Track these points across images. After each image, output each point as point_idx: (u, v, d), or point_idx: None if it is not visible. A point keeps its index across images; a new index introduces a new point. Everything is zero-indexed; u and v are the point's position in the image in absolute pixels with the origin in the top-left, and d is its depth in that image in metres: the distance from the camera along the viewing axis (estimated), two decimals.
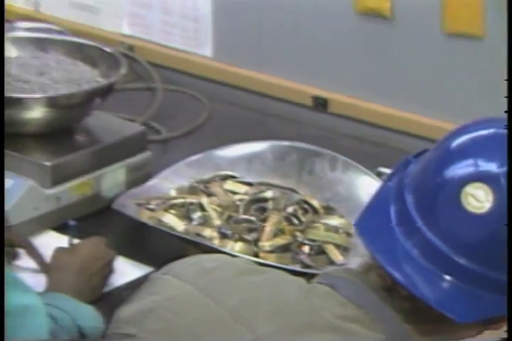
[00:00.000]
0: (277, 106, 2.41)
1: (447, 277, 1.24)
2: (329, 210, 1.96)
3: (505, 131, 1.21)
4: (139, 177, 2.09)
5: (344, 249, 1.86)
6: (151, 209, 1.95)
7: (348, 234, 1.89)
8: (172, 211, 1.95)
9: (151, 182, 2.04)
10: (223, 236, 1.88)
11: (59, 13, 2.62)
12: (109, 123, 2.16)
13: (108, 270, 1.85)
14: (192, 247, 1.85)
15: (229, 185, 2.02)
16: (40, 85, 2.06)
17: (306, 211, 1.94)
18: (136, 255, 1.91)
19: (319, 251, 1.85)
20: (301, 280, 1.47)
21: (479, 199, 1.18)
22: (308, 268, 1.80)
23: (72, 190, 2.01)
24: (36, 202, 1.98)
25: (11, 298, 1.60)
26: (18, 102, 2.01)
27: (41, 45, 2.19)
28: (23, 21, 2.52)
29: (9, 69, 2.11)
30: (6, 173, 1.97)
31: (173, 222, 1.92)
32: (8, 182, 1.98)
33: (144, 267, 1.88)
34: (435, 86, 2.22)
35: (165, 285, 1.54)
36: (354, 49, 2.31)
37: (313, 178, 2.04)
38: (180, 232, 1.90)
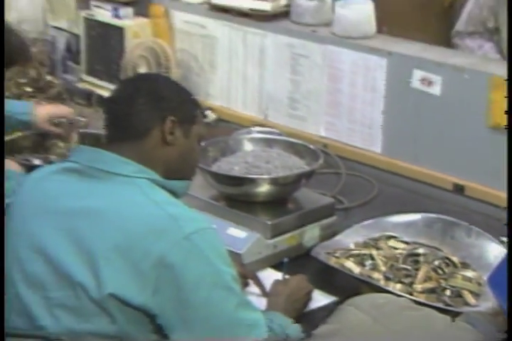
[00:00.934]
0: (426, 189, 2.37)
1: None
2: (465, 265, 1.93)
3: None
4: (328, 234, 2.08)
5: (476, 295, 1.83)
6: (337, 257, 1.94)
7: (479, 284, 1.85)
8: (351, 259, 1.93)
9: (337, 238, 2.04)
10: (387, 279, 1.87)
11: (279, 121, 2.64)
12: (309, 196, 2.15)
13: (307, 298, 1.86)
14: (365, 286, 1.84)
15: (392, 242, 2.00)
16: (266, 170, 2.08)
17: (447, 265, 1.91)
18: (326, 288, 1.91)
19: (457, 294, 1.83)
20: (447, 318, 1.48)
21: None
22: (449, 306, 1.77)
23: (284, 241, 2.03)
24: (261, 248, 2.00)
25: (247, 314, 1.62)
26: (252, 181, 2.04)
27: (268, 143, 2.21)
28: (256, 126, 2.54)
29: (246, 158, 2.15)
30: (241, 228, 2.01)
31: (351, 266, 1.91)
32: (242, 234, 2.00)
33: (331, 297, 1.89)
34: None
35: (349, 314, 1.56)
36: (485, 151, 2.26)
37: (453, 242, 2.01)
38: (356, 274, 1.87)
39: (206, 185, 2.10)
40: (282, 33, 2.58)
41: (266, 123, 2.63)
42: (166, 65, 2.71)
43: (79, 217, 1.64)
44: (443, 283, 1.86)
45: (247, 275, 1.89)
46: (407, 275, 1.88)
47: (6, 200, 1.83)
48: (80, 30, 2.88)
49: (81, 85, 2.91)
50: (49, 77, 2.87)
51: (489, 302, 1.68)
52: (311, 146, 2.21)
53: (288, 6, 2.62)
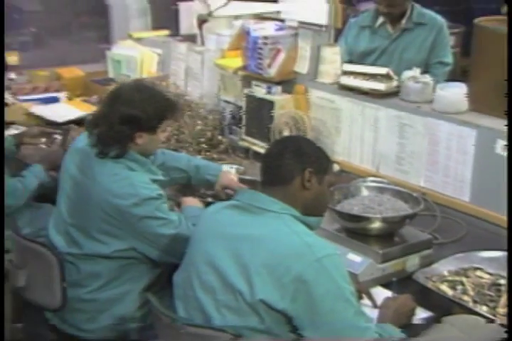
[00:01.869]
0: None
1: None
2: None
3: None
4: (426, 262, 1.95)
5: None
6: (433, 281, 1.83)
7: None
8: (445, 283, 1.81)
9: (434, 266, 1.90)
10: (475, 301, 1.73)
11: (388, 173, 2.53)
12: (412, 232, 2.02)
13: (411, 313, 1.74)
14: (456, 306, 1.71)
15: (478, 273, 1.86)
16: (379, 211, 2.00)
17: None
18: (424, 306, 1.76)
19: None
20: None
21: None
22: None
23: (391, 266, 1.92)
24: (373, 271, 1.90)
25: (361, 321, 1.56)
26: (368, 219, 1.96)
27: (380, 190, 2.12)
28: (370, 177, 2.45)
29: (363, 201, 2.07)
30: (358, 254, 1.92)
31: (445, 289, 1.78)
32: (358, 259, 1.92)
33: (428, 312, 1.75)
34: None
35: (445, 329, 1.49)
36: None
37: None
38: (449, 296, 1.75)
39: (332, 220, 2.04)
40: (393, 107, 2.50)
41: (378, 174, 2.54)
42: (303, 130, 2.68)
43: (240, 241, 1.65)
44: None
45: (362, 291, 1.82)
46: (491, 300, 1.74)
47: (172, 230, 1.96)
48: (242, 102, 2.89)
49: (241, 143, 2.90)
50: (219, 137, 2.89)
51: None
52: (414, 194, 2.12)
53: (398, 86, 2.54)
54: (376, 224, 1.97)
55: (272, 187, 1.69)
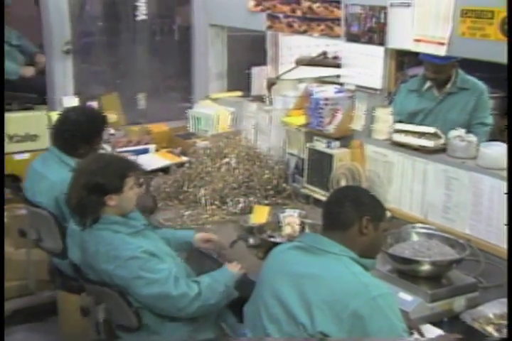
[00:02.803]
0: None
1: None
2: None
3: None
4: (472, 304, 1.92)
5: None
6: (479, 322, 1.80)
7: None
8: (491, 325, 1.79)
9: (479, 308, 1.88)
10: None
11: (436, 220, 2.49)
12: (458, 276, 2.00)
13: None
14: None
15: None
16: (428, 255, 1.99)
17: None
18: None
19: None
20: None
21: None
22: None
23: (439, 306, 1.91)
24: (423, 309, 1.88)
25: None
26: (418, 262, 1.96)
27: (429, 236, 2.11)
28: (419, 223, 2.43)
29: (413, 245, 2.05)
30: (409, 293, 1.90)
31: (491, 331, 1.77)
32: (409, 298, 1.90)
33: None
34: None
35: None
36: None
37: None
38: (495, 338, 1.73)
39: (385, 262, 2.04)
40: (440, 162, 2.50)
41: (426, 221, 2.52)
42: (359, 180, 2.69)
43: (304, 278, 1.67)
44: None
45: (413, 327, 1.80)
46: None
47: (156, 289, 1.84)
48: (305, 155, 2.93)
49: (303, 190, 2.92)
50: (284, 185, 2.92)
51: None
52: (460, 240, 2.10)
53: (445, 144, 2.55)
54: (425, 267, 1.96)
55: (332, 231, 1.71)
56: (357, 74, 2.76)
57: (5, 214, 3.29)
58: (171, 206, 2.82)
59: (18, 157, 3.31)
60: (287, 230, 2.44)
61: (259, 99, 3.28)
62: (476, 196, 2.37)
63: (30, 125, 3.34)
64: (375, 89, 2.70)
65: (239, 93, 3.53)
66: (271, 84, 3.21)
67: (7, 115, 3.25)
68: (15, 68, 3.69)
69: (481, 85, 3.03)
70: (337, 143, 2.81)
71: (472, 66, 2.79)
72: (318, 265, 1.68)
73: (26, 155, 3.28)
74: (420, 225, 2.38)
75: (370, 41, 2.66)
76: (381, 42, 2.61)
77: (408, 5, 2.46)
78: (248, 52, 3.68)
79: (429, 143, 2.54)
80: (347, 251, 1.69)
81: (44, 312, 3.07)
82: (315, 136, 2.87)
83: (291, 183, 2.97)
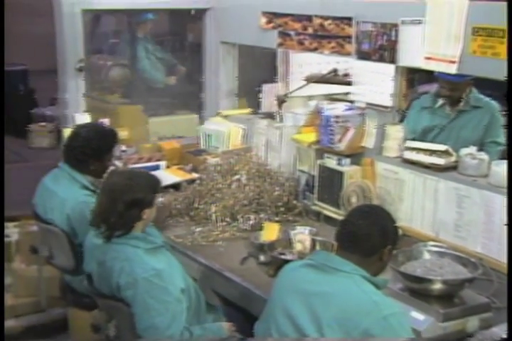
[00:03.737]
0: None
1: None
2: None
3: None
4: (485, 325, 1.91)
5: None
6: None
7: None
8: None
9: (493, 329, 1.87)
10: None
11: (447, 238, 2.49)
12: (471, 295, 1.98)
13: None
14: None
15: None
16: (440, 273, 1.98)
17: None
18: None
19: None
20: None
21: None
22: None
23: (451, 326, 1.90)
24: (434, 328, 1.88)
25: None
26: (430, 280, 1.95)
27: (441, 254, 2.11)
28: (430, 241, 2.41)
29: (425, 263, 2.05)
30: (421, 312, 1.88)
31: None
32: (421, 317, 1.90)
33: None
34: None
35: None
36: None
37: None
38: None
39: (396, 280, 2.03)
40: (452, 180, 2.50)
41: (437, 239, 2.51)
42: (370, 197, 2.68)
43: (315, 296, 1.68)
44: None
45: None
46: None
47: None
48: (315, 172, 2.93)
49: (314, 207, 2.92)
50: (295, 202, 2.92)
51: None
52: (472, 259, 2.09)
53: (456, 162, 2.55)
54: (437, 286, 1.95)
55: (351, 254, 1.71)
56: (367, 92, 2.77)
57: (17, 230, 3.32)
58: (181, 223, 2.83)
59: None
60: (298, 247, 2.42)
61: (270, 116, 3.29)
62: (488, 214, 2.37)
63: (180, 127, 3.61)
64: (386, 107, 2.71)
65: (249, 110, 3.55)
66: (281, 101, 3.22)
67: (157, 119, 3.51)
68: (160, 78, 4.05)
69: (494, 104, 3.04)
70: (348, 161, 2.82)
71: (483, 84, 2.79)
72: (329, 283, 1.68)
73: None
74: (432, 243, 2.38)
75: (380, 59, 2.67)
76: (392, 60, 2.63)
77: (419, 22, 2.48)
78: (259, 70, 3.70)
79: (440, 161, 2.54)
80: (358, 269, 1.70)
81: (55, 329, 3.07)
82: (325, 153, 2.88)
83: (301, 200, 2.97)
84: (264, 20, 3.20)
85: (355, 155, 2.83)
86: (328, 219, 2.83)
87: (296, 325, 1.65)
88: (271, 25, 3.17)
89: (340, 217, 2.65)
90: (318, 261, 1.75)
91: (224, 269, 2.38)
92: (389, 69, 2.65)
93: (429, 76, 3.04)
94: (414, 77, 3.74)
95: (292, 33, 3.07)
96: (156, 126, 3.61)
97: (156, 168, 3.24)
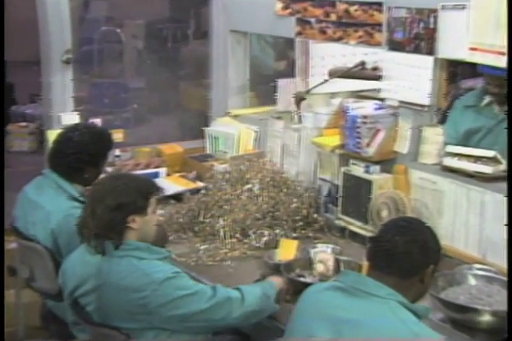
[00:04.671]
0: None
1: None
2: None
3: None
4: None
5: None
6: None
7: None
8: None
9: None
10: None
11: (496, 261, 2.40)
12: None
13: None
14: None
15: None
16: (488, 302, 1.99)
17: None
18: None
19: None
20: None
21: None
22: None
23: None
24: None
25: None
26: (476, 310, 1.95)
27: (489, 279, 2.10)
28: (476, 264, 2.38)
29: (470, 290, 2.05)
30: None
31: None
32: None
33: None
34: None
35: None
36: None
37: None
38: None
39: (435, 309, 2.01)
40: (500, 192, 2.45)
41: (484, 262, 2.47)
42: (403, 211, 2.66)
43: (342, 324, 1.67)
44: None
45: None
46: None
47: (204, 304, 1.96)
48: (339, 181, 2.92)
49: (337, 222, 2.91)
50: (315, 215, 2.92)
51: None
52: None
53: (505, 170, 2.50)
54: (485, 318, 1.94)
55: (387, 275, 1.70)
56: (401, 88, 2.76)
57: None
58: (184, 239, 2.83)
59: None
60: (319, 268, 2.43)
61: (287, 116, 3.29)
62: None
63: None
64: (422, 106, 2.70)
65: (263, 109, 3.56)
66: (300, 99, 3.23)
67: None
68: (270, 63, 4.03)
69: None
70: (377, 168, 2.81)
71: None
72: (360, 309, 1.67)
73: None
74: (478, 266, 2.35)
75: (416, 50, 2.65)
76: (430, 52, 2.61)
77: (463, 7, 2.46)
78: (274, 63, 3.72)
79: (487, 169, 2.52)
80: (395, 294, 1.69)
81: None
82: (351, 159, 2.88)
83: (323, 213, 2.97)
84: (280, 5, 3.20)
85: (386, 162, 2.82)
86: (354, 236, 2.82)
87: None
88: (288, 11, 3.17)
89: (368, 234, 2.74)
90: (347, 283, 1.74)
91: None
92: (426, 61, 2.64)
93: (473, 70, 3.01)
94: (457, 71, 3.71)
95: (312, 20, 3.07)
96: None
97: (155, 175, 3.25)
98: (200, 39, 3.87)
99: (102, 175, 2.63)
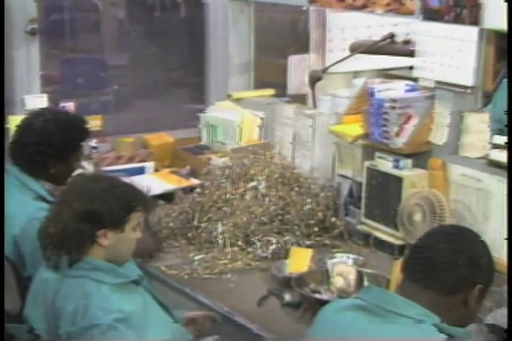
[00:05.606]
0: None
1: None
2: None
3: None
4: None
5: None
6: None
7: None
8: None
9: None
10: None
11: None
12: None
13: None
14: None
15: None
16: None
17: None
18: None
19: None
20: None
21: None
22: None
23: None
24: None
25: None
26: None
27: None
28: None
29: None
30: None
31: None
32: None
33: None
34: None
35: None
36: None
37: None
38: None
39: (480, 333, 1.98)
40: None
41: None
42: (441, 214, 2.66)
43: None
44: None
45: None
46: None
47: None
48: (362, 178, 2.92)
49: (360, 227, 2.91)
50: (333, 219, 2.92)
51: None
52: None
53: None
54: None
55: (423, 289, 1.68)
56: (438, 66, 2.75)
57: None
58: (176, 248, 2.83)
59: None
60: (338, 283, 2.44)
61: (299, 99, 3.31)
62: None
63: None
64: (465, 87, 2.69)
65: (270, 92, 3.57)
66: (315, 79, 3.23)
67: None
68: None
69: None
70: (408, 162, 2.81)
71: None
72: (385, 334, 1.65)
73: None
74: None
75: (457, 20, 2.64)
76: (474, 21, 2.59)
77: None
78: (283, 36, 3.70)
79: None
80: (429, 314, 1.66)
81: None
82: (377, 152, 2.88)
83: (343, 217, 2.97)
84: None
85: (419, 155, 2.81)
86: (381, 244, 2.82)
87: None
88: None
89: (398, 242, 2.75)
90: (370, 301, 1.72)
91: (235, 313, 2.37)
92: (469, 34, 2.62)
93: None
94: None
95: None
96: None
97: (140, 171, 3.25)
98: (194, 7, 3.86)
99: (79, 171, 2.62)
